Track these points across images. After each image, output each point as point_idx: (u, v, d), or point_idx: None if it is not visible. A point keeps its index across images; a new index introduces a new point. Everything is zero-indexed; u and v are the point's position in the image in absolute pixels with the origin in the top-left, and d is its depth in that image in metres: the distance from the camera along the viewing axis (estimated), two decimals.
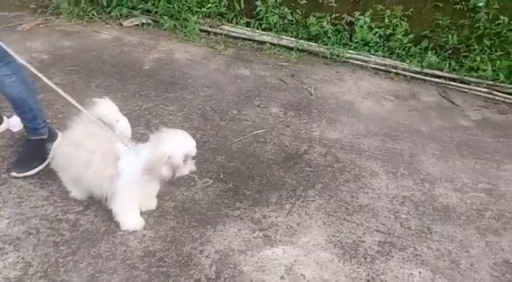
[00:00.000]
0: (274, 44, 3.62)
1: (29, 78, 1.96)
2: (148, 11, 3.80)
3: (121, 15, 3.76)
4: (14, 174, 1.94)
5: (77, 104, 1.64)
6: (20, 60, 1.70)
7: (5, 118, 2.24)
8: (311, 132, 2.59)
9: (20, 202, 1.83)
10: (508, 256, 1.84)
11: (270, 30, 3.71)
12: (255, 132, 2.53)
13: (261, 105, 2.82)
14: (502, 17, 3.10)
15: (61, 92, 1.65)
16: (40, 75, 1.63)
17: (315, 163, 2.32)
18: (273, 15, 3.66)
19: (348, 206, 2.04)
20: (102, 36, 3.51)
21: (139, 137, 2.32)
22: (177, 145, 1.56)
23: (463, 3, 3.18)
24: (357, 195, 2.12)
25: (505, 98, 3.04)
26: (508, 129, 2.77)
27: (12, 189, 1.89)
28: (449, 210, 2.08)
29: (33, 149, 1.99)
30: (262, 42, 3.66)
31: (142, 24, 3.74)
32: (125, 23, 3.73)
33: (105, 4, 3.75)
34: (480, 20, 3.15)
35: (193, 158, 1.63)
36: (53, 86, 1.64)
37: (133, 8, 3.78)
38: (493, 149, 2.56)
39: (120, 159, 1.59)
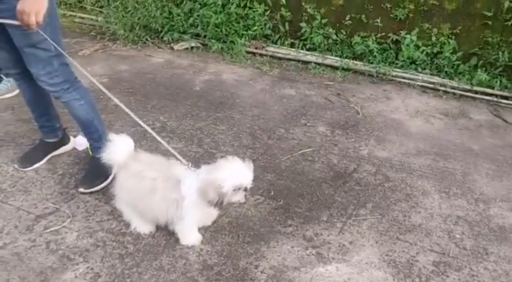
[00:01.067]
0: (319, 64, 3.69)
1: (94, 101, 2.12)
2: (197, 35, 3.98)
3: (172, 39, 3.96)
4: (81, 190, 2.09)
5: (139, 121, 1.76)
6: (94, 80, 1.85)
7: (71, 137, 2.41)
8: (359, 151, 2.61)
9: (87, 216, 1.96)
10: None
11: (315, 50, 3.78)
12: (303, 151, 2.58)
13: (308, 124, 2.88)
14: None
15: (126, 109, 1.78)
16: (111, 96, 1.78)
17: (364, 182, 2.33)
18: (317, 36, 3.73)
19: (400, 225, 2.04)
20: (155, 60, 3.70)
21: (192, 155, 2.43)
22: (230, 174, 1.61)
23: None
24: (409, 214, 2.11)
25: None
26: None
27: (80, 204, 2.03)
28: (506, 230, 2.03)
29: (98, 166, 2.14)
30: (307, 62, 3.73)
31: (192, 47, 3.92)
32: (175, 47, 3.92)
33: (157, 29, 3.96)
34: None
35: (246, 189, 1.67)
36: (121, 104, 1.78)
37: (183, 32, 3.96)
38: None
39: (181, 182, 1.66)
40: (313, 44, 3.79)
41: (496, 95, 3.18)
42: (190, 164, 1.72)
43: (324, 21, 3.75)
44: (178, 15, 3.95)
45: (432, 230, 2.02)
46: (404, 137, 2.77)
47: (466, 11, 3.32)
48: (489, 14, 3.21)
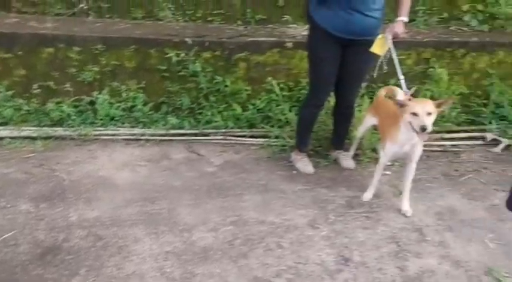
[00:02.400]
0: (14, 138, 3.45)
1: None
2: None
3: None
4: None
5: None
6: None
7: None
8: (68, 218, 2.56)
9: None
10: (255, 273, 2.20)
11: (7, 124, 3.53)
12: (3, 237, 2.34)
13: (8, 206, 2.64)
14: (217, 77, 3.74)
15: None
16: None
17: (76, 248, 2.30)
18: (6, 109, 3.50)
19: (115, 279, 2.10)
20: None
21: None
22: None
23: (184, 70, 3.71)
24: (122, 266, 2.20)
25: (237, 140, 3.64)
26: (244, 165, 3.31)
27: None
28: (207, 250, 2.36)
29: None
30: (1, 138, 3.44)
31: None
32: None
33: None
34: (201, 82, 3.72)
35: None
36: None
37: None
38: (235, 185, 3.02)
39: None
40: (4, 117, 3.52)
41: (188, 134, 3.68)
42: None
43: (9, 93, 3.55)
44: None
45: (145, 272, 2.16)
46: (113, 192, 2.88)
47: (145, 68, 3.74)
48: (164, 68, 3.71)
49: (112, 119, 3.69)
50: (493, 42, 3.84)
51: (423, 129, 2.35)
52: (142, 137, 3.60)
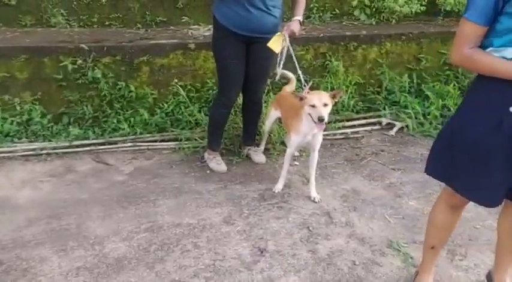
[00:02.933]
0: None
1: None
2: None
3: None
4: None
5: None
6: None
7: None
8: None
9: None
10: (173, 276, 2.18)
11: None
12: None
13: None
14: (120, 82, 3.62)
15: None
16: None
17: None
18: None
19: None
20: None
21: None
22: None
23: (83, 77, 3.55)
24: None
25: (147, 146, 3.56)
26: (156, 170, 3.26)
27: None
28: (121, 260, 2.29)
29: None
30: None
31: None
32: None
33: None
34: (103, 88, 3.58)
35: None
36: None
37: None
38: (148, 191, 2.96)
39: None
40: None
41: (94, 144, 3.52)
42: None
43: None
44: None
45: None
46: (14, 212, 2.67)
47: (39, 78, 3.51)
48: (60, 77, 3.52)
49: (7, 135, 3.42)
50: (380, 35, 4.17)
51: (321, 119, 2.50)
52: (43, 152, 3.38)
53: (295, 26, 2.87)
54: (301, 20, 2.94)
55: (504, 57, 1.52)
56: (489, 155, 1.60)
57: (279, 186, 2.99)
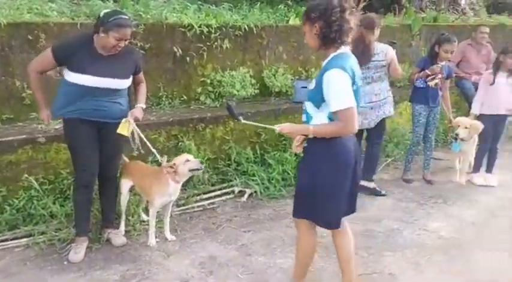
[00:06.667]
0: None
1: None
2: None
3: None
4: None
5: None
6: None
7: None
8: None
9: None
10: None
11: None
12: None
13: None
14: None
15: None
16: None
17: None
18: None
19: None
20: None
21: None
22: None
23: None
24: None
25: None
26: (8, 269, 3.11)
27: None
28: None
29: None
30: None
31: None
32: None
33: None
34: None
35: None
36: None
37: None
38: None
39: None
40: None
41: None
42: None
43: None
44: None
45: None
46: None
47: None
48: None
49: None
50: (224, 115, 4.75)
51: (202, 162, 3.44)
52: None
53: (138, 112, 3.26)
54: (144, 107, 3.35)
55: None
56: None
57: (152, 241, 3.40)
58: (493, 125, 4.71)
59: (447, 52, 4.49)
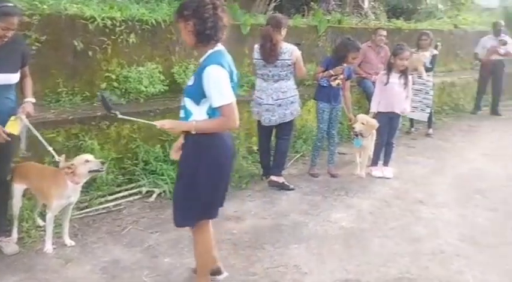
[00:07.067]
0: None
1: None
2: None
3: None
4: None
5: None
6: None
7: None
8: None
9: None
10: None
11: None
12: None
13: None
14: None
15: None
16: None
17: None
18: None
19: None
20: None
21: None
22: None
23: None
24: None
25: None
26: None
27: None
28: None
29: None
30: None
31: None
32: None
33: None
34: None
35: None
36: None
37: None
38: None
39: None
40: None
41: None
42: None
43: None
44: None
45: None
46: None
47: None
48: None
49: None
50: (130, 112, 4.57)
51: (103, 162, 3.24)
52: None
53: (29, 107, 3.05)
54: (33, 100, 3.16)
55: None
56: None
57: (48, 248, 3.20)
58: (388, 121, 5.08)
59: (354, 59, 4.89)
